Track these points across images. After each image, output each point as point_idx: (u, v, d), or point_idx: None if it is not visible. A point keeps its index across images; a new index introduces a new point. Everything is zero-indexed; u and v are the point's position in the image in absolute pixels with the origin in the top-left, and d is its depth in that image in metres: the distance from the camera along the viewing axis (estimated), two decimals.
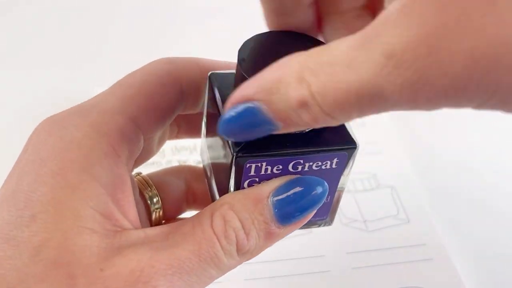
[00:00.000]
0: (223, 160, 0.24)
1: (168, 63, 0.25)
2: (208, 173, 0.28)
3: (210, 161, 0.28)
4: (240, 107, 0.19)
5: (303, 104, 0.18)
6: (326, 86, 0.17)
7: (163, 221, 0.30)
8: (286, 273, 0.37)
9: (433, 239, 0.39)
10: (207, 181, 0.28)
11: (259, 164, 0.23)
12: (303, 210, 0.23)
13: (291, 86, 0.18)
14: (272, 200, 0.23)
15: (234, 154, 0.22)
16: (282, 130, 0.19)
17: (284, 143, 0.23)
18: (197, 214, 0.23)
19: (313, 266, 0.37)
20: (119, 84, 0.24)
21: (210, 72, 0.26)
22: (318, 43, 0.24)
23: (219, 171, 0.25)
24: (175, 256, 0.20)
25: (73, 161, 0.21)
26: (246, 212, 0.22)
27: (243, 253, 0.22)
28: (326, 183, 0.24)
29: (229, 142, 0.23)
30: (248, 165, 0.23)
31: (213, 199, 0.27)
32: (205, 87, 0.26)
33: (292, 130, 0.19)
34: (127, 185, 0.22)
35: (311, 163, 0.23)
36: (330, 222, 0.27)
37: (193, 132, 0.30)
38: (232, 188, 0.24)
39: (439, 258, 0.38)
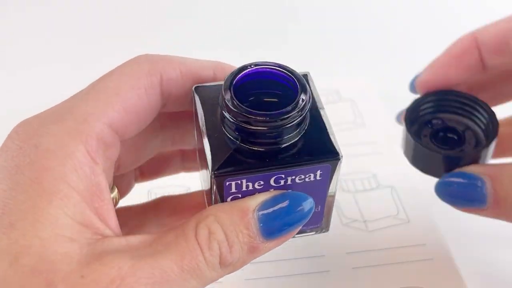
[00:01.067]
0: (206, 177, 0.24)
1: (147, 62, 0.25)
2: (202, 187, 0.28)
3: (200, 175, 0.28)
4: (464, 176, 0.21)
5: None
6: None
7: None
8: (286, 273, 0.37)
9: (433, 239, 0.39)
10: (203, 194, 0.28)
11: (239, 182, 0.23)
12: (288, 225, 0.23)
13: None
14: (258, 214, 0.22)
15: (212, 173, 0.22)
16: (488, 212, 0.21)
17: (263, 159, 0.23)
18: (181, 224, 0.22)
19: (313, 266, 0.37)
20: (94, 86, 0.24)
21: (195, 86, 0.25)
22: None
23: (206, 186, 0.26)
24: (157, 265, 0.20)
25: (50, 170, 0.21)
26: (231, 225, 0.22)
27: (226, 265, 0.22)
28: (312, 199, 0.24)
29: (208, 159, 0.23)
30: (227, 183, 0.23)
31: None
32: (192, 99, 0.26)
33: (499, 216, 0.22)
34: (106, 193, 0.22)
35: (293, 177, 0.23)
36: (326, 228, 0.27)
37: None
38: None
39: (439, 258, 0.38)
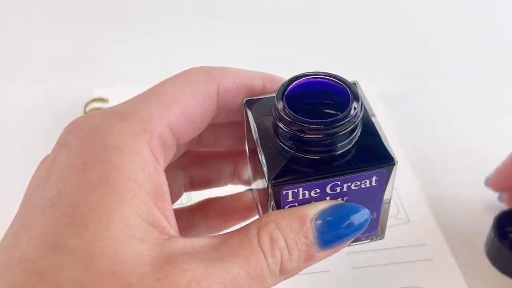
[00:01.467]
0: (262, 186, 0.24)
1: (204, 72, 0.25)
2: (254, 195, 0.28)
3: (253, 185, 0.28)
4: None
5: None
6: None
7: None
8: None
9: (433, 239, 0.39)
10: (255, 202, 0.28)
11: (296, 190, 0.23)
12: (344, 235, 0.23)
13: None
14: (316, 223, 0.23)
15: (269, 183, 0.22)
16: None
17: (318, 167, 0.23)
18: (242, 228, 0.22)
19: (313, 266, 0.37)
20: (153, 90, 0.24)
21: (246, 99, 0.25)
22: None
23: (260, 195, 0.26)
24: (227, 270, 0.20)
25: (119, 168, 0.20)
26: (291, 232, 0.22)
27: (285, 273, 0.22)
28: (368, 210, 0.24)
29: (264, 169, 0.23)
30: (284, 192, 0.23)
31: None
32: (243, 112, 0.26)
33: None
34: (167, 193, 0.22)
35: (349, 184, 0.23)
36: (381, 235, 0.27)
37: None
38: None
39: (439, 258, 0.38)
